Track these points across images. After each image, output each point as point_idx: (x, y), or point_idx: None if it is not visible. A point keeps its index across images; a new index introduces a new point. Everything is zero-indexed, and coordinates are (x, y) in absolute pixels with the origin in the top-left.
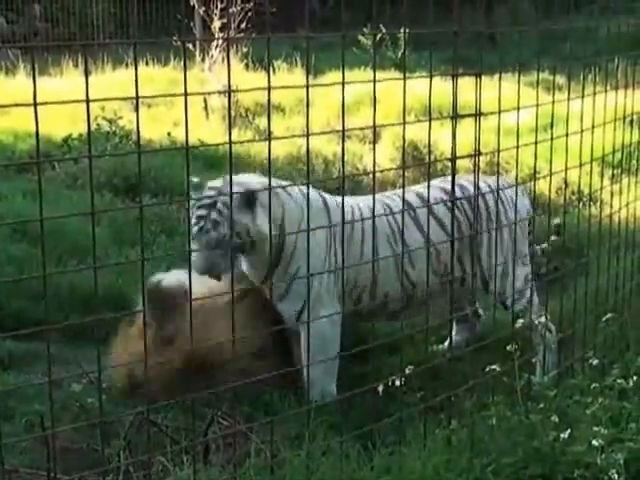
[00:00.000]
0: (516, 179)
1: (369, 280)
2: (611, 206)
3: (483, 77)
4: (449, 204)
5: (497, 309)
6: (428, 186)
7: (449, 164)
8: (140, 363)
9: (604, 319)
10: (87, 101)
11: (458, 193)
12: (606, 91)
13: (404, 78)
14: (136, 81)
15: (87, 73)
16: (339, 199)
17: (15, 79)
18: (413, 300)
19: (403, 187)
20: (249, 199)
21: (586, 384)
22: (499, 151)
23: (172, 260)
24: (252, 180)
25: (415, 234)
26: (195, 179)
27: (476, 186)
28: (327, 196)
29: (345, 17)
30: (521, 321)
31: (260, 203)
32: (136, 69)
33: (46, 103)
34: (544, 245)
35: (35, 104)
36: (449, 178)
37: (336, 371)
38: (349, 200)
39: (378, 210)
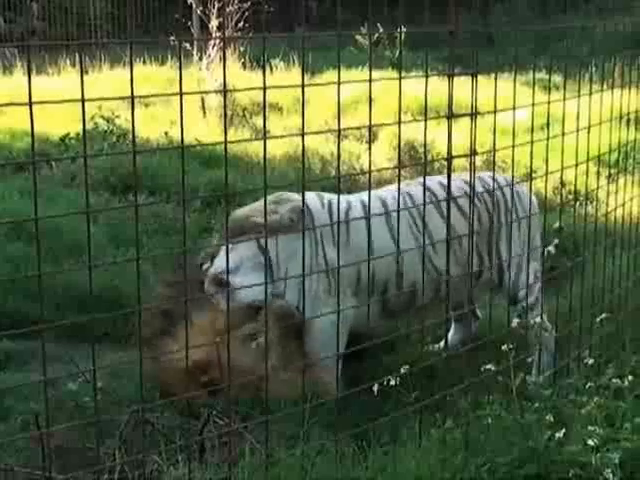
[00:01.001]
0: (512, 178)
1: (392, 272)
2: (607, 205)
3: (480, 76)
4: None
5: (493, 308)
6: (424, 187)
7: (445, 163)
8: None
9: (600, 318)
10: (82, 100)
11: (479, 186)
12: (602, 90)
13: (399, 77)
14: (131, 80)
15: (82, 72)
16: (335, 198)
17: (12, 78)
18: (441, 291)
19: (398, 187)
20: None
21: (581, 383)
22: (495, 150)
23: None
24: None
25: (438, 222)
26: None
27: (472, 186)
28: (313, 201)
29: (342, 16)
30: (517, 320)
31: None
32: (132, 68)
33: (42, 102)
34: (550, 248)
35: (30, 103)
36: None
37: (337, 370)
38: (348, 197)
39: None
